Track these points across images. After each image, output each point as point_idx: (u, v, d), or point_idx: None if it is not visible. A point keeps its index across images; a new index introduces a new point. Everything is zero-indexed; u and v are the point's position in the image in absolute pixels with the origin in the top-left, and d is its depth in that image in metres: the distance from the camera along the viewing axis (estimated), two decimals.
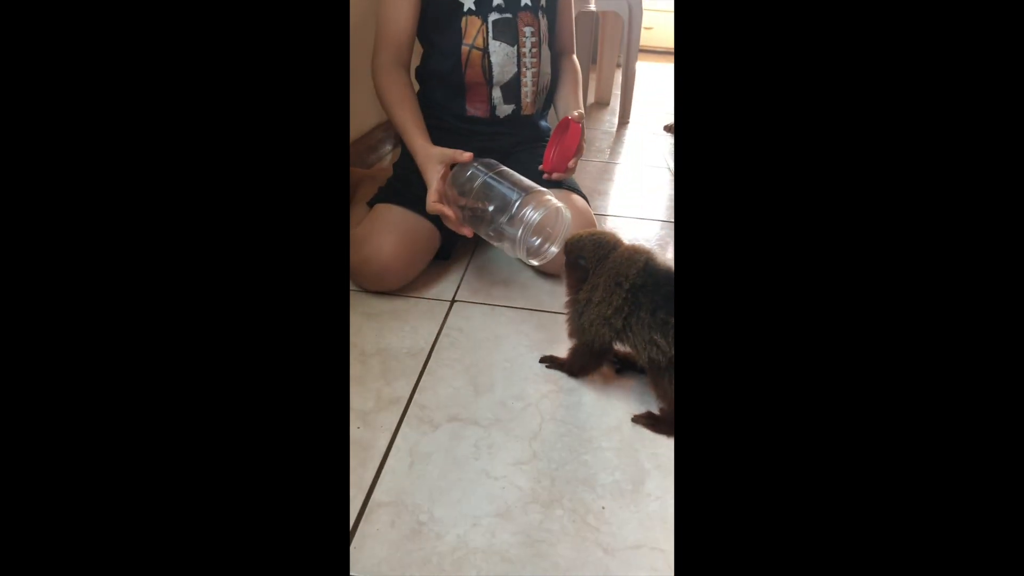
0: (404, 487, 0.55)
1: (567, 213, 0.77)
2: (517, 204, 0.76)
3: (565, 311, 0.70)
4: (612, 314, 0.63)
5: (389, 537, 0.50)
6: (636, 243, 0.67)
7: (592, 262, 0.66)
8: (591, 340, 0.66)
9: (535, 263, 0.81)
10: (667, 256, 0.66)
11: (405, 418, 0.64)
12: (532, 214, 0.75)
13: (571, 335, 0.69)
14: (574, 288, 0.69)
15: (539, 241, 0.79)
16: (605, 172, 1.62)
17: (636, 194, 1.46)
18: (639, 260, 0.64)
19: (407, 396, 0.67)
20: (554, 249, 0.79)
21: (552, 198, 0.77)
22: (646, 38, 2.62)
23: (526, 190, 0.78)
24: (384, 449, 0.59)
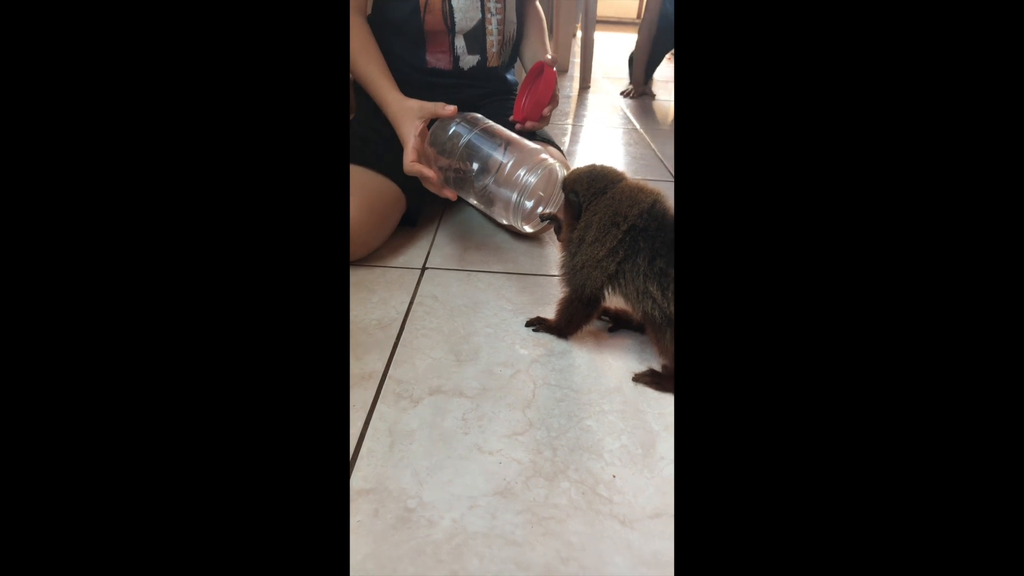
0: (386, 471, 0.48)
1: (563, 172, 0.71)
2: (509, 165, 0.68)
3: (560, 253, 0.64)
4: (605, 256, 0.57)
5: (374, 528, 0.43)
6: (643, 182, 0.61)
7: (585, 197, 0.60)
8: (581, 284, 0.60)
9: (530, 229, 0.74)
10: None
11: (381, 394, 0.56)
12: (528, 176, 0.67)
13: (562, 278, 0.63)
14: (570, 227, 0.62)
15: (531, 203, 0.72)
16: (571, 133, 1.56)
17: (603, 153, 1.40)
18: (643, 201, 0.57)
19: (381, 370, 0.59)
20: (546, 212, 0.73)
21: (548, 157, 0.70)
22: (600, 8, 2.56)
23: (519, 149, 0.70)
24: (359, 430, 0.52)
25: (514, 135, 0.74)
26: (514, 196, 0.69)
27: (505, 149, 0.71)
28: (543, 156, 0.70)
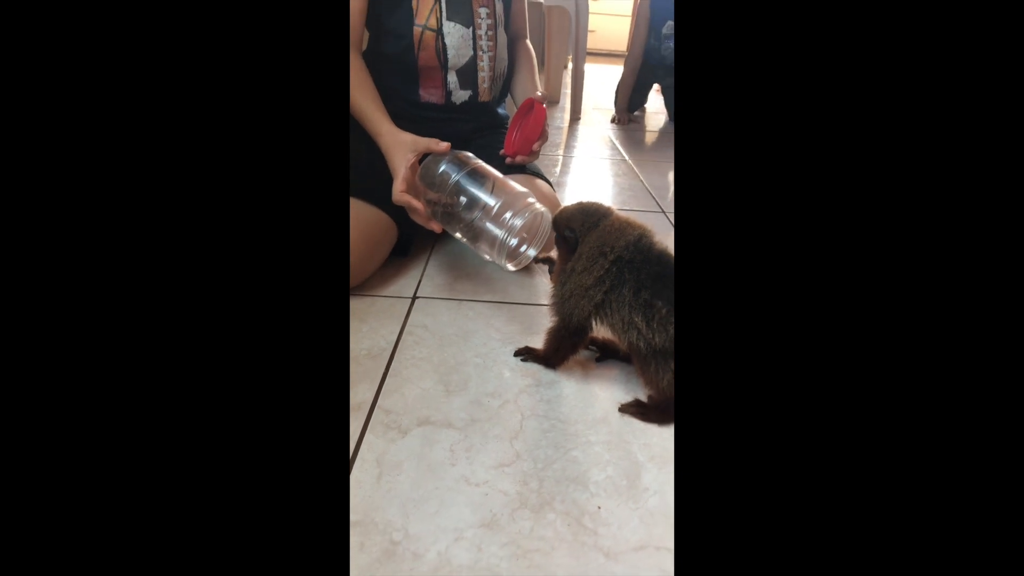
0: (373, 502, 0.48)
1: (548, 216, 0.73)
2: (496, 207, 0.70)
3: (552, 286, 0.65)
4: (592, 284, 0.58)
5: (359, 562, 0.43)
6: (631, 217, 0.63)
7: (581, 232, 0.62)
8: (569, 313, 0.61)
9: (512, 268, 0.75)
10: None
11: (369, 425, 0.57)
12: (514, 219, 0.69)
13: (552, 308, 0.64)
14: (564, 261, 0.64)
15: (515, 242, 0.74)
16: (561, 164, 1.59)
17: (594, 184, 1.43)
18: (630, 234, 0.59)
19: (370, 401, 0.60)
20: (532, 252, 0.75)
21: (534, 201, 0.72)
22: (590, 40, 2.64)
23: (506, 191, 0.72)
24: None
25: (501, 176, 0.76)
26: (499, 235, 0.70)
27: (492, 190, 0.73)
28: (530, 200, 0.72)
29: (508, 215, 0.70)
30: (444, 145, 0.77)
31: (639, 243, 0.59)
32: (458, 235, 0.77)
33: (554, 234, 0.65)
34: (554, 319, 0.64)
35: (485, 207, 0.71)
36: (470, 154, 0.78)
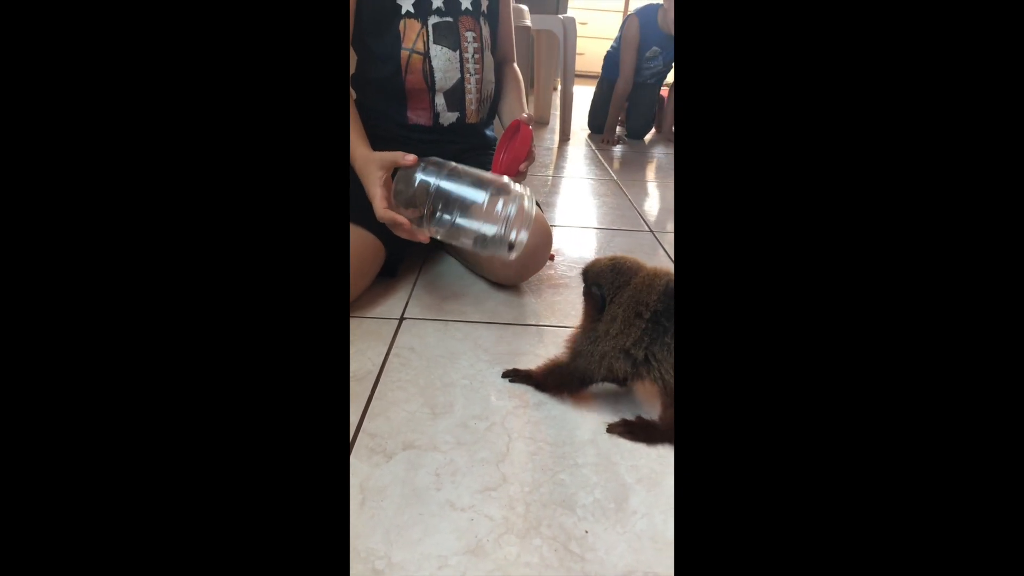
0: (355, 530, 0.47)
1: (530, 196, 0.72)
2: (484, 199, 0.69)
3: (570, 338, 0.64)
4: (632, 345, 0.57)
5: None
6: (657, 268, 0.61)
7: (611, 291, 0.60)
8: (596, 370, 0.60)
9: (513, 256, 0.73)
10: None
11: (353, 449, 0.56)
12: (508, 208, 0.69)
13: (573, 361, 0.62)
14: (591, 318, 0.62)
15: (508, 232, 0.73)
16: (551, 185, 1.61)
17: (584, 205, 1.44)
18: (659, 284, 0.58)
19: (355, 425, 0.59)
20: (524, 236, 0.72)
21: (513, 183, 0.72)
22: (579, 63, 2.69)
23: (489, 182, 0.72)
24: None
25: (478, 171, 0.75)
26: (496, 229, 0.69)
27: (475, 187, 0.72)
28: (513, 186, 0.71)
29: (499, 206, 0.69)
30: (411, 157, 0.75)
31: (667, 289, 0.58)
32: (450, 240, 0.75)
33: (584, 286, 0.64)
34: (573, 367, 0.62)
35: (473, 205, 0.71)
36: (438, 159, 0.77)
